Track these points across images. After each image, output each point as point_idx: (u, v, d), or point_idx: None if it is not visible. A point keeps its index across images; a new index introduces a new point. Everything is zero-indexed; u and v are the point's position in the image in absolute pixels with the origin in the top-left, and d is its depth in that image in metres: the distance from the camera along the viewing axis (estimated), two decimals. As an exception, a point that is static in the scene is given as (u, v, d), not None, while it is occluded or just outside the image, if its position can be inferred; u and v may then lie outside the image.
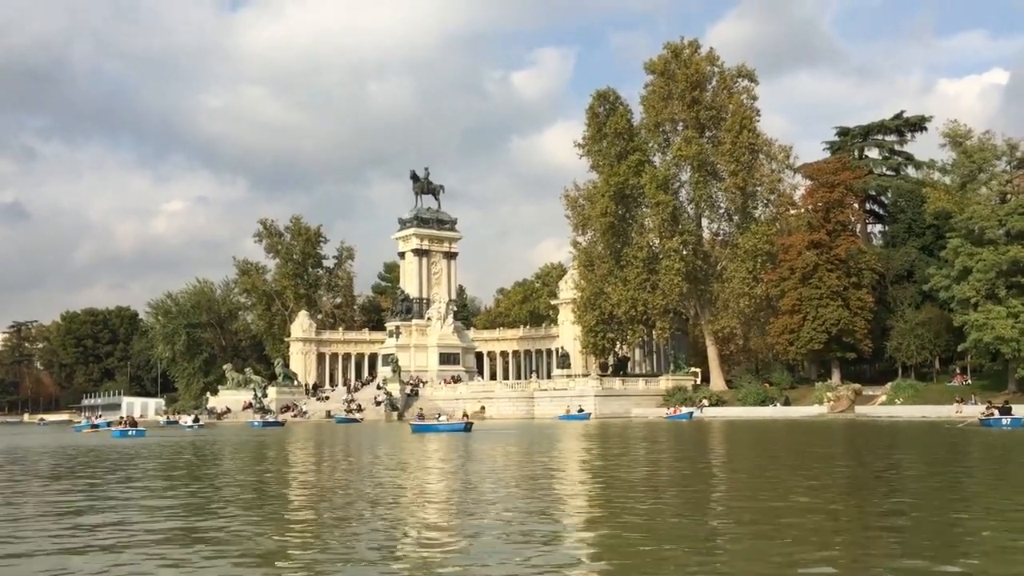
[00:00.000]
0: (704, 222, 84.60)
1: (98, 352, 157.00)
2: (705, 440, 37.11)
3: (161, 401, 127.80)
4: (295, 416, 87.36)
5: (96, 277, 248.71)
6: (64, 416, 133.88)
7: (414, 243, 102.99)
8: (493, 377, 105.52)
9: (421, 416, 57.00)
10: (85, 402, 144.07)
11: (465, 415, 58.58)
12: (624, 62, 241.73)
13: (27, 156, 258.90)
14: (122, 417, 61.25)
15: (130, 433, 49.75)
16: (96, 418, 78.86)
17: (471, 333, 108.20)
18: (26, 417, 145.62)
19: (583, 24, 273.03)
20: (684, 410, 68.07)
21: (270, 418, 79.17)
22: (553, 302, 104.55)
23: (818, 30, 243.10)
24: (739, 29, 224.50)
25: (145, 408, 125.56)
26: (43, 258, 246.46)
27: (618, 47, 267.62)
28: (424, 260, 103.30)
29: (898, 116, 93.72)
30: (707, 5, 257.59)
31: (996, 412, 44.54)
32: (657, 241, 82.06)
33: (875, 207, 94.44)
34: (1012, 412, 44.23)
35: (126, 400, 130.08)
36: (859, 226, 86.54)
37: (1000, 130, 69.69)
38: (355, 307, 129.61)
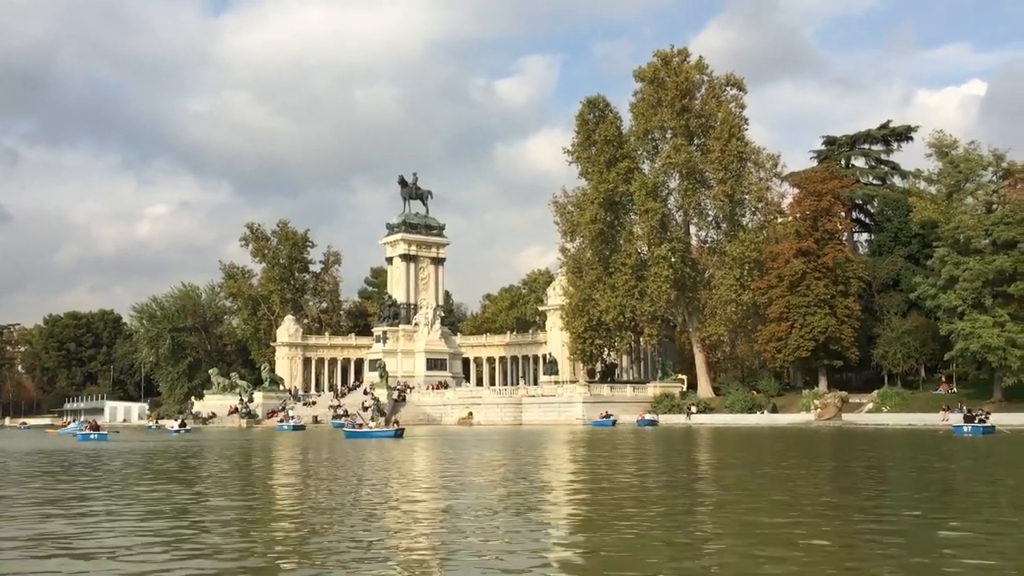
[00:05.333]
0: (692, 229, 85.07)
1: (81, 356, 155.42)
2: (692, 447, 37.08)
3: (144, 405, 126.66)
4: (280, 421, 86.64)
5: (78, 280, 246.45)
6: (46, 420, 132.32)
7: (402, 248, 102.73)
8: (480, 383, 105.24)
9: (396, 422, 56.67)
10: (68, 406, 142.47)
11: (396, 422, 56.27)
12: (608, 70, 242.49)
13: (11, 159, 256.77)
14: (85, 421, 64.60)
15: (92, 437, 52.54)
16: (67, 424, 79.27)
17: (458, 339, 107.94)
18: (7, 421, 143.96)
19: (567, 32, 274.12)
20: (647, 416, 71.74)
21: (295, 422, 78.29)
22: (541, 308, 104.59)
23: (801, 41, 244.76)
24: (722, 39, 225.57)
25: (128, 412, 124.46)
26: (25, 260, 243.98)
27: (602, 55, 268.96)
28: (412, 265, 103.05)
29: (884, 126, 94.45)
30: (690, 14, 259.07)
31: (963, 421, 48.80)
32: (645, 248, 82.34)
33: (861, 216, 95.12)
34: (974, 421, 47.71)
35: (109, 404, 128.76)
36: (846, 235, 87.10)
37: (977, 140, 70.09)
38: (341, 312, 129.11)
